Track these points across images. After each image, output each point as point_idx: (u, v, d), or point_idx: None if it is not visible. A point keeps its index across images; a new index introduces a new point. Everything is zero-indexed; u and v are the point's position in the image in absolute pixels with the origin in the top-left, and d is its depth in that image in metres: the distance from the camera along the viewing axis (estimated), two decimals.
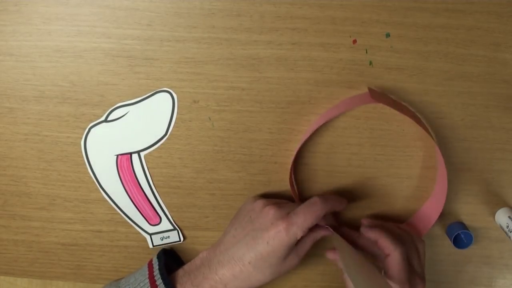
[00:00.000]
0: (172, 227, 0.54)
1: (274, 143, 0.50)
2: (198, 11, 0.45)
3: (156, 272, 0.47)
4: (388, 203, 0.53)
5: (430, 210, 0.51)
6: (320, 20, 0.45)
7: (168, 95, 0.48)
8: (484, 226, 0.54)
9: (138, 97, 0.49)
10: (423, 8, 0.44)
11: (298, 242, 0.46)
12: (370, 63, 0.47)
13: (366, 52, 0.46)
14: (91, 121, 0.50)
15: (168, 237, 0.54)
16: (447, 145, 0.50)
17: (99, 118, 0.50)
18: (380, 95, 0.46)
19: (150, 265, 0.49)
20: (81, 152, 0.51)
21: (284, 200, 0.50)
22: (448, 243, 0.54)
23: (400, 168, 0.51)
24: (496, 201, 0.52)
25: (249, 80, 0.48)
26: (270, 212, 0.45)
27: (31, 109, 0.50)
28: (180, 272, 0.48)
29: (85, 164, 0.51)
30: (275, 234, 0.43)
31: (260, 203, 0.47)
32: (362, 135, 0.50)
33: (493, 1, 0.44)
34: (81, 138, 0.50)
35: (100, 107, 0.49)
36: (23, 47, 0.47)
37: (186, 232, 0.55)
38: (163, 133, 0.50)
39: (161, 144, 0.50)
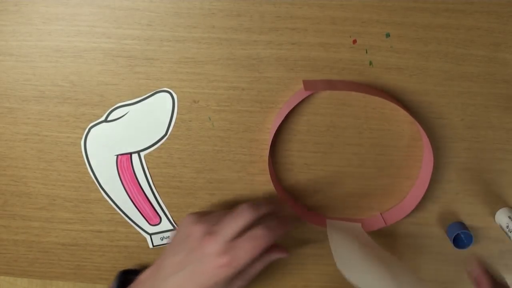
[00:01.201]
0: (172, 227, 0.54)
1: (274, 143, 0.50)
2: (198, 11, 0.45)
3: None
4: (388, 203, 0.53)
5: (415, 193, 0.51)
6: (320, 20, 0.45)
7: (168, 95, 0.48)
8: (484, 226, 0.54)
9: (138, 97, 0.49)
10: (423, 8, 0.44)
11: (244, 275, 0.43)
12: (370, 63, 0.47)
13: (366, 52, 0.46)
14: (91, 121, 0.50)
15: (168, 237, 0.54)
16: (447, 145, 0.50)
17: (99, 118, 0.50)
18: (314, 83, 0.46)
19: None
20: (81, 152, 0.51)
21: (226, 217, 0.44)
22: (448, 243, 0.54)
23: (400, 168, 0.51)
24: (496, 201, 0.52)
25: (249, 80, 0.48)
26: (211, 244, 0.41)
27: (31, 109, 0.50)
28: None
29: (85, 164, 0.51)
30: (217, 269, 0.41)
31: (199, 229, 0.43)
32: (362, 135, 0.50)
33: (493, 1, 0.44)
34: (81, 138, 0.50)
35: (100, 107, 0.49)
36: (23, 47, 0.47)
37: None
38: (163, 133, 0.50)
39: (161, 144, 0.51)
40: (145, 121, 0.49)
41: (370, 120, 0.49)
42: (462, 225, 0.52)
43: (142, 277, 0.47)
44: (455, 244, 0.52)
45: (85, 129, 0.50)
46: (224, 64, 0.47)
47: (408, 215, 0.52)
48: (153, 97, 0.48)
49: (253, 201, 0.45)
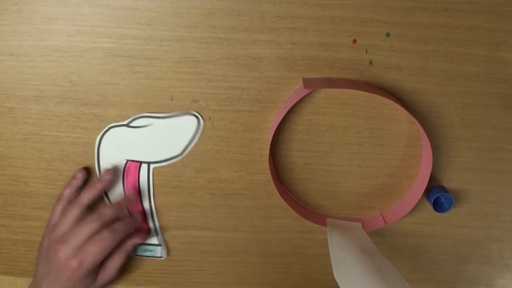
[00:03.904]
0: (157, 243, 0.54)
1: (274, 142, 0.50)
2: (198, 10, 0.45)
3: None
4: (388, 203, 0.53)
5: (416, 190, 0.51)
6: (320, 20, 0.45)
7: (195, 120, 0.49)
8: (484, 226, 0.54)
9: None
10: (423, 8, 0.44)
11: (105, 261, 0.50)
12: (370, 62, 0.47)
13: (366, 52, 0.46)
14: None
15: (152, 250, 0.55)
16: (447, 145, 0.50)
17: (120, 121, 0.50)
18: (313, 81, 0.46)
19: None
20: (94, 148, 0.51)
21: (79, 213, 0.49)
22: (449, 242, 0.54)
23: (400, 168, 0.51)
24: (496, 201, 0.52)
25: (249, 79, 0.48)
26: (61, 252, 0.47)
27: (31, 109, 0.50)
28: None
29: (94, 159, 0.51)
30: (70, 273, 0.46)
31: (54, 236, 0.48)
32: (362, 135, 0.50)
33: (493, 1, 0.44)
34: (98, 134, 0.50)
35: (100, 107, 0.49)
36: (23, 46, 0.47)
37: (186, 232, 0.54)
38: (179, 152, 0.50)
39: (172, 162, 0.51)
40: (165, 137, 0.50)
41: (370, 119, 0.49)
42: (442, 188, 0.51)
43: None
44: (435, 208, 0.50)
45: (102, 129, 0.50)
46: (224, 63, 0.47)
47: (408, 215, 0.52)
48: (180, 117, 0.49)
49: (100, 208, 0.49)
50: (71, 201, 0.50)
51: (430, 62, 0.46)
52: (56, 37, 0.46)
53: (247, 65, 0.47)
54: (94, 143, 0.51)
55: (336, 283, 0.57)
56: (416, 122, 0.46)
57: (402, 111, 0.49)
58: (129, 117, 0.49)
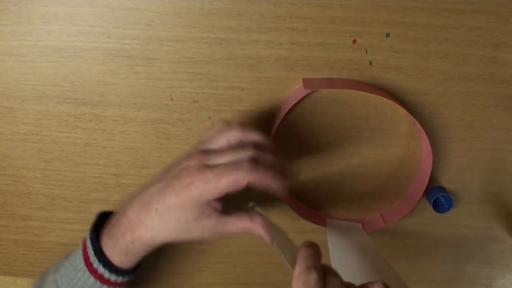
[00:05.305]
0: None
1: (274, 143, 0.50)
2: (198, 11, 0.45)
3: (91, 253, 0.43)
4: (388, 203, 0.53)
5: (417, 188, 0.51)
6: (320, 20, 0.45)
7: None
8: (484, 226, 0.54)
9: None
10: (423, 8, 0.44)
11: (223, 218, 0.40)
12: (370, 63, 0.47)
13: (366, 52, 0.46)
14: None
15: None
16: (447, 145, 0.50)
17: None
18: (313, 81, 0.46)
19: (84, 245, 0.45)
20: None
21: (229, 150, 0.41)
22: (449, 242, 0.54)
23: (400, 168, 0.51)
24: (496, 201, 0.52)
25: (249, 80, 0.48)
26: (191, 161, 0.39)
27: (31, 109, 0.50)
28: (104, 229, 0.44)
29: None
30: (184, 186, 0.38)
31: (194, 147, 0.42)
32: (362, 135, 0.50)
33: (493, 1, 0.44)
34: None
35: (100, 107, 0.49)
36: (23, 47, 0.47)
37: None
38: None
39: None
40: None
41: (370, 119, 0.49)
42: (442, 189, 0.51)
43: (124, 200, 0.44)
44: (435, 208, 0.50)
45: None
46: (224, 64, 0.47)
47: (408, 215, 0.52)
48: None
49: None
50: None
51: (430, 62, 0.46)
52: (56, 37, 0.46)
53: (247, 65, 0.47)
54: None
55: None
56: (416, 122, 0.46)
57: (402, 111, 0.49)
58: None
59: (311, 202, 0.53)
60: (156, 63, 0.47)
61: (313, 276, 0.34)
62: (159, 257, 0.55)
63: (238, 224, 0.41)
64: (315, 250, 0.37)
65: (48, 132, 0.50)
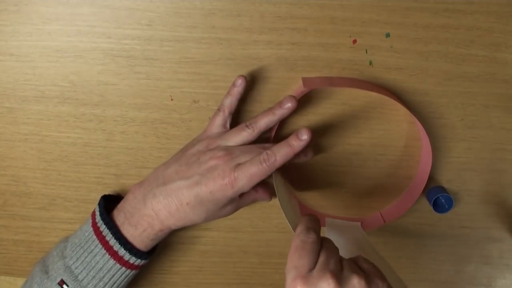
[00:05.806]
0: None
1: (274, 142, 0.50)
2: (198, 11, 0.45)
3: (98, 218, 0.46)
4: (388, 204, 0.53)
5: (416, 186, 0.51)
6: (320, 20, 0.45)
7: None
8: (484, 226, 0.54)
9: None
10: (423, 8, 0.44)
11: (240, 200, 0.47)
12: (370, 63, 0.47)
13: (366, 52, 0.46)
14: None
15: None
16: (447, 145, 0.50)
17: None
18: (312, 80, 0.46)
19: (93, 213, 0.48)
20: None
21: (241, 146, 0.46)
22: (449, 243, 0.54)
23: (400, 168, 0.51)
24: (496, 201, 0.52)
25: (249, 80, 0.48)
26: (221, 161, 0.43)
27: (31, 109, 0.50)
28: (115, 212, 0.46)
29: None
30: (220, 186, 0.42)
31: (212, 145, 0.45)
32: (362, 135, 0.50)
33: (493, 1, 0.44)
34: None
35: (100, 107, 0.49)
36: (23, 47, 0.47)
37: (186, 232, 0.55)
38: None
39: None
40: None
41: (370, 119, 0.49)
42: (442, 189, 0.51)
43: (135, 188, 0.47)
44: (435, 208, 0.50)
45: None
46: (224, 64, 0.47)
47: (408, 215, 0.52)
48: None
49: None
50: (232, 112, 0.46)
51: (430, 62, 0.47)
52: (56, 38, 0.46)
53: (247, 65, 0.47)
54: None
55: None
56: (416, 122, 0.46)
57: (402, 111, 0.49)
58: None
59: (310, 202, 0.53)
60: (157, 63, 0.47)
61: (312, 236, 0.38)
62: (159, 257, 0.55)
63: (248, 200, 0.49)
64: (316, 220, 0.41)
65: (48, 132, 0.50)
